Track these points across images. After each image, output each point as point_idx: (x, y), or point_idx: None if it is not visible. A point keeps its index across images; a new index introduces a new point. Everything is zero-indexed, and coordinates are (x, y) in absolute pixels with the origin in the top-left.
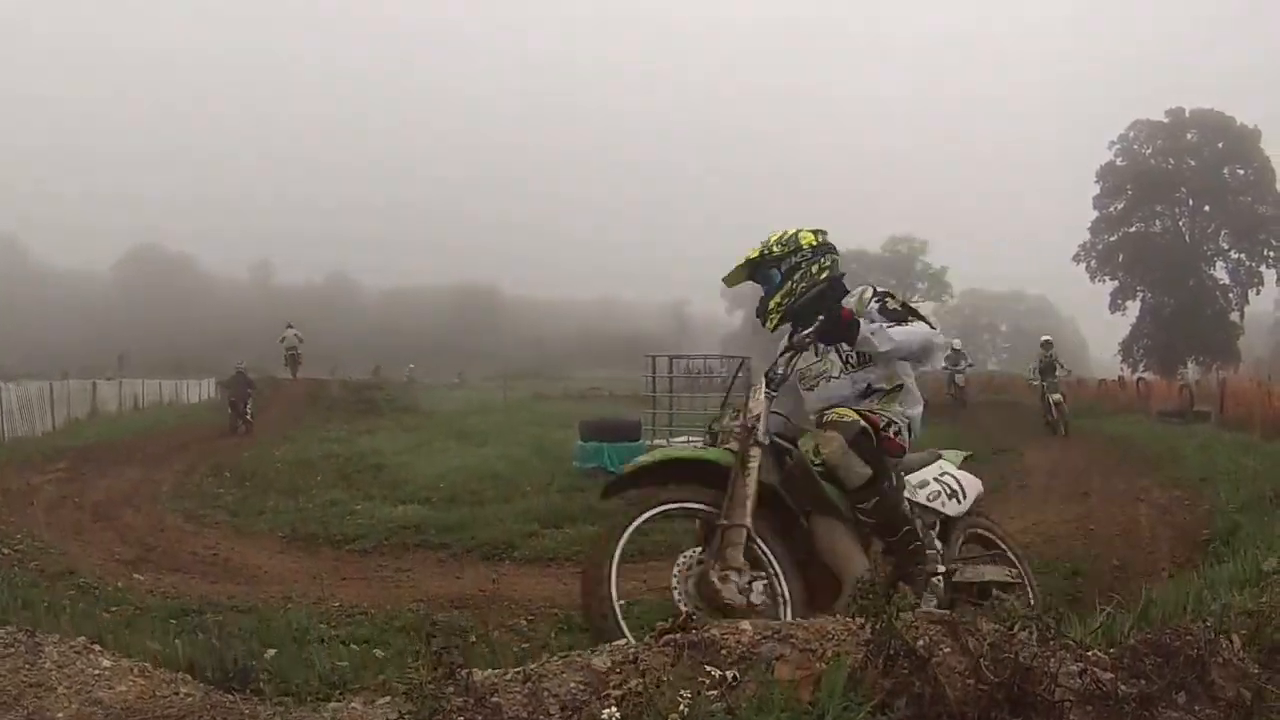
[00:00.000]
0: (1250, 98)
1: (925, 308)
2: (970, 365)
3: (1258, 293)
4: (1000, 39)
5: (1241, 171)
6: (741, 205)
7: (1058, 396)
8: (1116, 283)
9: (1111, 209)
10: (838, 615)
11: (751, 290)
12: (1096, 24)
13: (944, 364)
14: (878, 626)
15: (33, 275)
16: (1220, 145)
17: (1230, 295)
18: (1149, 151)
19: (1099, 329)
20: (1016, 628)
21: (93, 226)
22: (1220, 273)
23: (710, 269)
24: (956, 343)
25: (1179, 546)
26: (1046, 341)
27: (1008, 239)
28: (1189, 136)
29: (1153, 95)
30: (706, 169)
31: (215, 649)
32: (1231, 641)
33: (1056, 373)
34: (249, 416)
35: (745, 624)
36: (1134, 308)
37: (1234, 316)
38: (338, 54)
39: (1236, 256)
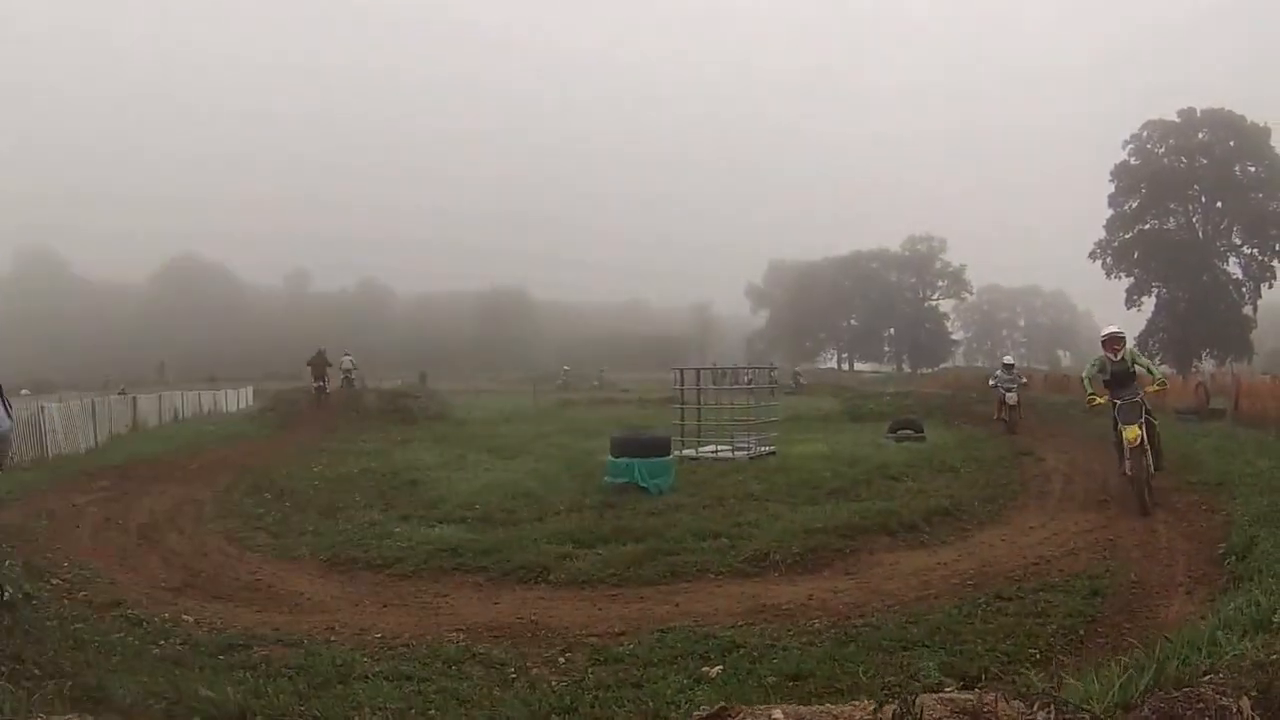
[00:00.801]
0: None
1: (945, 305)
2: (1024, 383)
3: (1270, 287)
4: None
5: (1253, 168)
6: (760, 200)
7: (1135, 433)
8: (1132, 279)
9: (1126, 207)
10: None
11: (780, 290)
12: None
13: (991, 381)
14: (901, 715)
15: (72, 287)
16: (1232, 143)
17: (1243, 290)
18: (1162, 150)
19: (1114, 320)
20: (1036, 708)
21: (129, 238)
22: (1233, 268)
23: (733, 265)
24: (1008, 358)
25: (1196, 560)
26: (1111, 337)
27: (1025, 231)
28: (1200, 135)
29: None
30: (725, 164)
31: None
32: (1240, 708)
33: (1135, 386)
34: (326, 389)
35: (777, 711)
36: (1149, 304)
37: (1247, 310)
38: (364, 56)
39: (1249, 252)
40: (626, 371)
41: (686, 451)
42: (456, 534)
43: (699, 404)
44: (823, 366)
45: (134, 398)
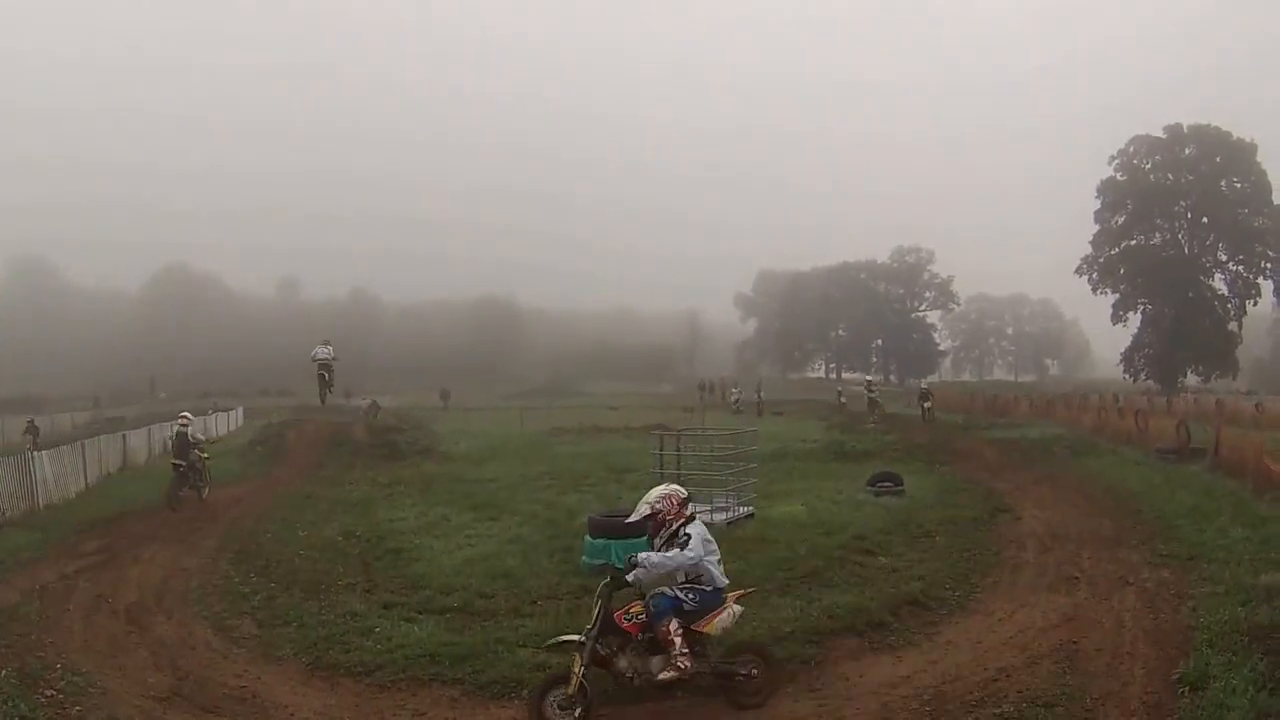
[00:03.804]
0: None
1: (932, 315)
2: None
3: (1254, 303)
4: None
5: (1239, 185)
6: (749, 209)
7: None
8: (1118, 295)
9: (1112, 223)
10: None
11: (770, 300)
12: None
13: None
14: None
15: (65, 298)
16: (1218, 159)
17: (1228, 306)
18: (1148, 166)
19: (1102, 326)
20: None
21: (121, 248)
22: (1219, 284)
23: (722, 274)
24: None
25: (1153, 678)
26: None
27: (1013, 238)
28: (1187, 151)
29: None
30: (714, 172)
31: None
32: None
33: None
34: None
35: None
36: (1135, 319)
37: (1232, 326)
38: (354, 66)
39: (1234, 268)
40: (615, 382)
41: None
42: (435, 634)
43: (678, 469)
44: (812, 376)
45: (124, 435)
